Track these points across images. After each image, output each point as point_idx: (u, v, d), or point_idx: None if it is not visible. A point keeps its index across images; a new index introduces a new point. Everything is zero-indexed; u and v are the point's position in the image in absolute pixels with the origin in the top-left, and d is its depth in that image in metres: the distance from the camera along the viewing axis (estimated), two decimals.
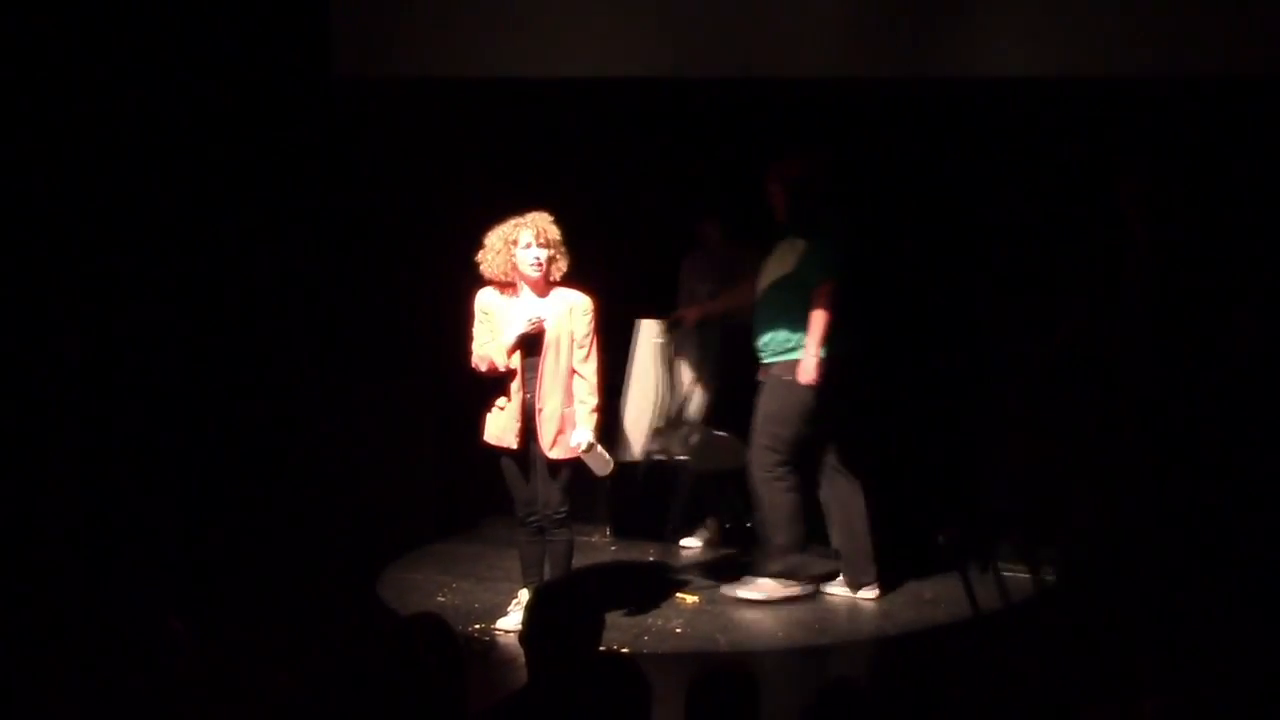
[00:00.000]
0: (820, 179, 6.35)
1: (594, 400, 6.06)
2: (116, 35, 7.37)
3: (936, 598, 6.64)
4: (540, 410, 6.01)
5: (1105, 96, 6.39)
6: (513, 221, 6.05)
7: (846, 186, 6.50)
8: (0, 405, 6.87)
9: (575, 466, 6.10)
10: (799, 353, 6.23)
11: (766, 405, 6.30)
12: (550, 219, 6.08)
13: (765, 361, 6.33)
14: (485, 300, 6.08)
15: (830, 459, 6.51)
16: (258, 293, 7.52)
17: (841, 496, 6.51)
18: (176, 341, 7.43)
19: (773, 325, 6.29)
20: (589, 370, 6.05)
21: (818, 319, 6.16)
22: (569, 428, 6.02)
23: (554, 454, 6.00)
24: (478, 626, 6.19)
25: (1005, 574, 6.17)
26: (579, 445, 6.00)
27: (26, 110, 7.17)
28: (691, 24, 6.78)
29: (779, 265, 6.30)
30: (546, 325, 5.98)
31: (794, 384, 6.18)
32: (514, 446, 6.04)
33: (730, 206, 7.25)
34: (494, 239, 6.07)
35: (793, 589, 6.51)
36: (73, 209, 7.34)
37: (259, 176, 7.37)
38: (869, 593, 6.48)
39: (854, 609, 6.57)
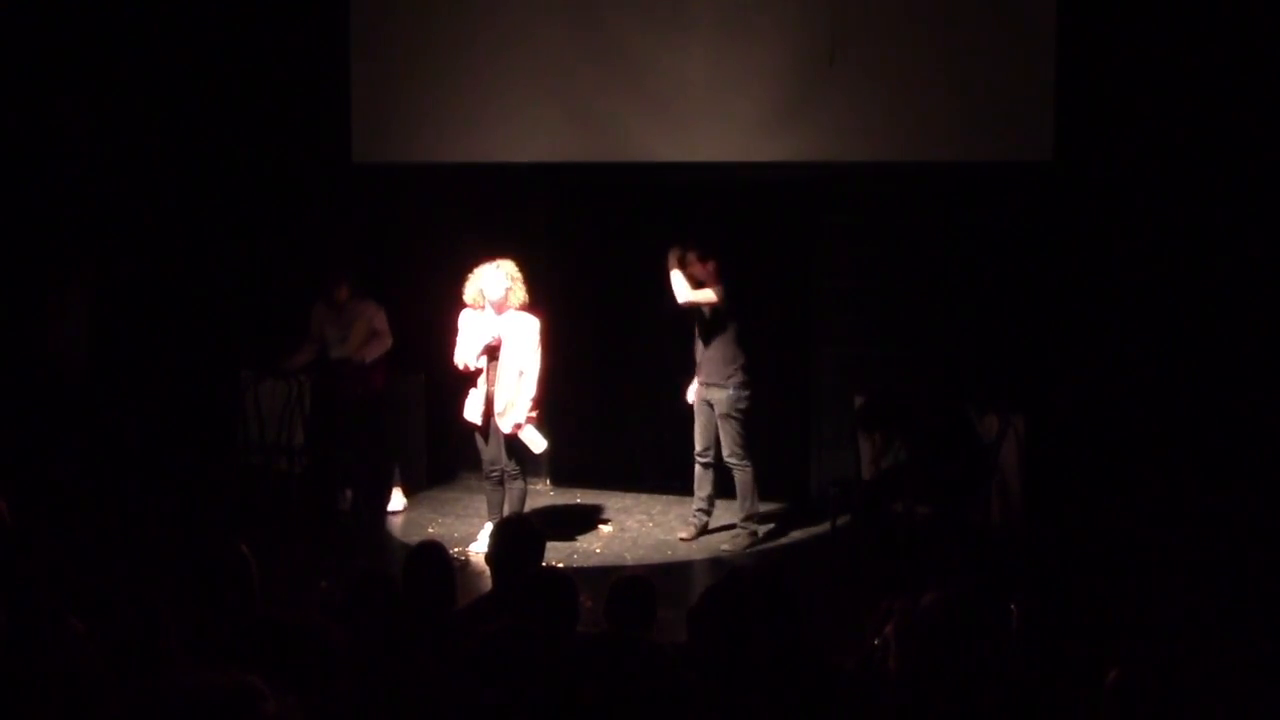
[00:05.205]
0: None
1: (531, 395, 7.20)
2: (169, 129, 8.68)
3: (768, 535, 7.98)
4: (495, 396, 7.22)
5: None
6: (484, 264, 7.19)
7: None
8: None
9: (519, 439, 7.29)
10: None
11: None
12: (512, 262, 7.18)
13: None
14: (464, 319, 7.28)
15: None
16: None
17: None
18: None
19: None
20: (531, 372, 7.23)
21: None
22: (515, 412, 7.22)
23: (505, 428, 7.26)
24: (457, 549, 7.01)
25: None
26: (518, 426, 7.23)
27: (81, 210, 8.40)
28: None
29: None
30: (502, 338, 7.21)
31: None
32: (479, 422, 7.37)
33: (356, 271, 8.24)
34: (472, 277, 7.22)
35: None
36: (115, 293, 8.59)
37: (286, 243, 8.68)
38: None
39: (715, 540, 7.80)
